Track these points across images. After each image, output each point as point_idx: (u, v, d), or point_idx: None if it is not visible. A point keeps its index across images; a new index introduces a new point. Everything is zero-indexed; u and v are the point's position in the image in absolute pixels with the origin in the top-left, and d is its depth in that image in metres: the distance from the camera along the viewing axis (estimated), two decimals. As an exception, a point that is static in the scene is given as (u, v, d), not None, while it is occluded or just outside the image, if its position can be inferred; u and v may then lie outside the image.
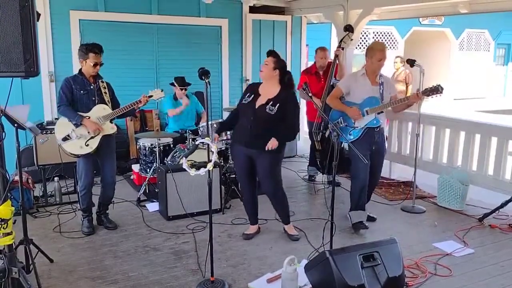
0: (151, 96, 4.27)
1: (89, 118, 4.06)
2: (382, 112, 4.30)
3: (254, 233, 4.22)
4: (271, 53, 3.93)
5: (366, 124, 4.22)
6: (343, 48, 5.64)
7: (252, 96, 3.93)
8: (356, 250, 2.97)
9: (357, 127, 4.24)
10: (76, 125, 4.05)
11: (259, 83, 4.03)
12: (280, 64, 3.88)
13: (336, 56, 5.53)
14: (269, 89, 3.88)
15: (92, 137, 4.08)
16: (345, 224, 4.44)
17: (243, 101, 3.97)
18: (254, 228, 4.24)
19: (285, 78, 3.89)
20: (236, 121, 4.03)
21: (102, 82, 4.21)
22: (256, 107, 3.85)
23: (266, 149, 3.71)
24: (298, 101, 4.11)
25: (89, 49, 4.01)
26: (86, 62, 4.03)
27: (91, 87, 4.11)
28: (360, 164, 4.07)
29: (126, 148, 6.60)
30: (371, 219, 4.56)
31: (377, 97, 4.24)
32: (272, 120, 3.80)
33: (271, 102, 3.82)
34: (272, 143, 3.72)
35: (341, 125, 4.31)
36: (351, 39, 5.87)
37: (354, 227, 4.33)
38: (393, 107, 4.37)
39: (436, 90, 4.22)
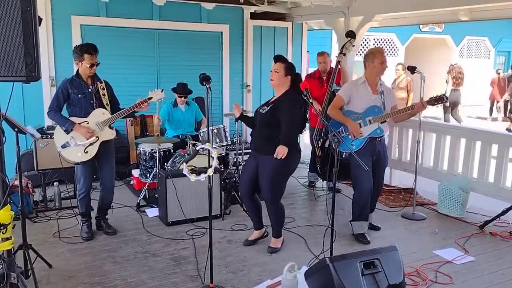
0: (150, 98, 4.18)
1: (87, 123, 4.01)
2: (385, 121, 4.22)
3: (258, 239, 4.18)
4: (279, 59, 3.76)
5: (369, 134, 4.15)
6: (344, 54, 5.65)
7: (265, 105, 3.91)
8: (357, 257, 2.96)
9: (360, 136, 4.17)
10: (66, 132, 3.99)
11: None
12: (291, 70, 3.73)
13: (338, 62, 5.53)
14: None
15: (91, 144, 4.03)
16: (345, 231, 4.43)
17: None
18: (258, 233, 4.19)
19: (297, 82, 3.73)
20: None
21: (101, 83, 4.13)
22: (259, 111, 3.87)
23: (274, 156, 3.58)
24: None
25: (84, 50, 3.93)
26: (82, 63, 3.97)
27: (89, 90, 4.05)
28: (362, 173, 4.02)
29: (126, 153, 6.58)
30: (374, 227, 4.54)
31: (379, 106, 4.17)
32: (266, 121, 3.74)
33: (267, 103, 3.79)
34: (279, 151, 3.56)
35: (343, 135, 4.22)
36: (353, 45, 5.87)
37: (355, 237, 4.31)
38: (396, 117, 4.26)
39: (441, 99, 4.20)
